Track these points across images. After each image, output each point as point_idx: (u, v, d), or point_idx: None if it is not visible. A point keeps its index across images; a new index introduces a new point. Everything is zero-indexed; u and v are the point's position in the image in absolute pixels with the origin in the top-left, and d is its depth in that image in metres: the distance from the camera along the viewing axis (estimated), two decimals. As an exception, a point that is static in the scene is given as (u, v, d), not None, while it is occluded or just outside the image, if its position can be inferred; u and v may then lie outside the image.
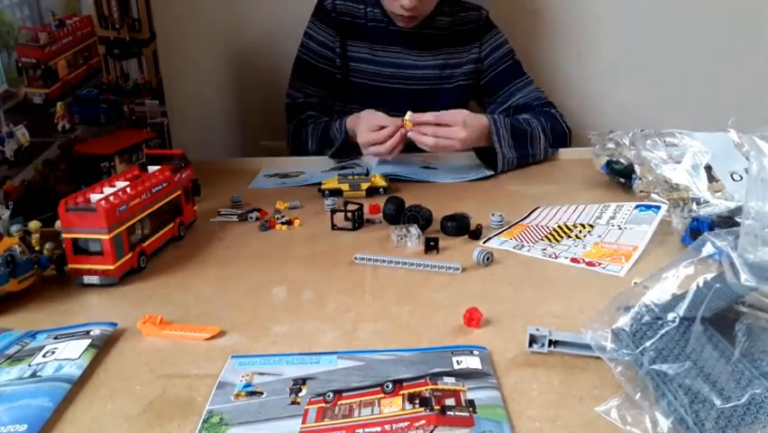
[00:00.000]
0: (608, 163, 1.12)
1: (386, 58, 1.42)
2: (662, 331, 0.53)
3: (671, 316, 0.54)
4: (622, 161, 1.11)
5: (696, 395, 0.47)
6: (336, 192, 1.10)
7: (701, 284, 0.54)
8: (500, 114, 1.37)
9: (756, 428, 0.44)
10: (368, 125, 1.20)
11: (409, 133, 1.17)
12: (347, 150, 1.31)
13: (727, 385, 0.47)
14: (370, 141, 1.19)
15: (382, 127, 1.18)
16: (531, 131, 1.28)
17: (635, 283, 0.63)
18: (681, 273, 0.56)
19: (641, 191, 1.03)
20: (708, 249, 0.56)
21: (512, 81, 1.44)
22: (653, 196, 0.98)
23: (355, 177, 1.11)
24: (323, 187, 1.11)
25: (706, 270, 0.55)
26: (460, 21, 1.44)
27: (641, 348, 0.52)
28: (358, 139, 1.22)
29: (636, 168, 1.04)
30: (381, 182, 1.11)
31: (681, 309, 0.53)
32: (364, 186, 1.10)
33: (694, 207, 0.87)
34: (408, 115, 1.17)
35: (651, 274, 0.58)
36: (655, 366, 0.50)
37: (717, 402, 0.46)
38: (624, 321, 0.55)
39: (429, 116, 1.17)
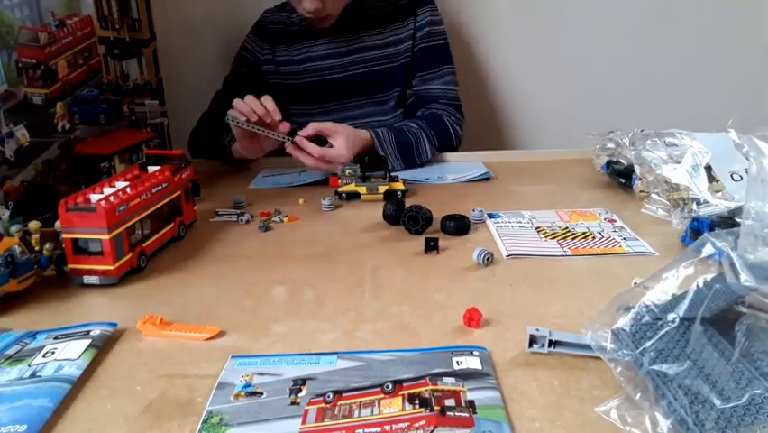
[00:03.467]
0: (608, 163, 1.12)
1: (327, 50, 1.41)
2: (662, 332, 0.53)
3: (671, 316, 0.54)
4: (622, 161, 1.11)
5: (696, 396, 0.47)
6: (354, 195, 1.10)
7: (701, 285, 0.54)
8: (410, 101, 1.40)
9: (756, 428, 0.44)
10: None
11: (290, 149, 1.17)
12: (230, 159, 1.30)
13: (727, 385, 0.47)
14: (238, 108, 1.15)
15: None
16: (416, 142, 1.28)
17: (635, 284, 0.63)
18: (680, 274, 0.56)
19: (641, 191, 1.03)
20: (708, 249, 0.56)
21: (433, 66, 1.39)
22: (653, 196, 0.99)
23: (373, 180, 1.11)
24: (340, 189, 1.10)
25: (706, 270, 0.55)
26: None
27: (641, 349, 0.52)
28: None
29: (636, 168, 1.04)
30: (399, 186, 1.11)
31: (681, 310, 0.53)
32: (382, 189, 1.09)
33: (694, 207, 0.87)
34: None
35: (651, 274, 0.58)
36: (655, 367, 0.50)
37: (717, 403, 0.46)
38: (624, 322, 0.55)
39: (311, 147, 1.16)
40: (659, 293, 0.55)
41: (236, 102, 1.17)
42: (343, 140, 1.18)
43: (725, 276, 0.54)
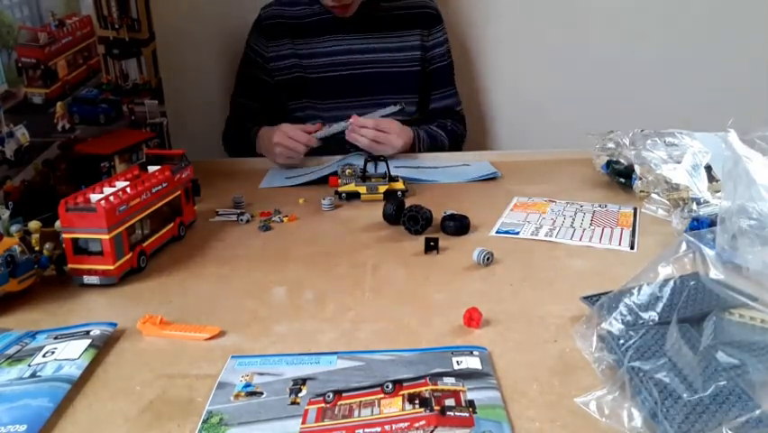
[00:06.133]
0: (608, 163, 1.12)
1: (332, 47, 1.44)
2: (643, 330, 0.55)
3: (650, 315, 0.56)
4: (622, 160, 1.11)
5: (668, 390, 0.48)
6: (354, 195, 1.10)
7: (678, 283, 0.57)
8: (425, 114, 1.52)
9: (721, 417, 0.45)
10: (284, 134, 1.29)
11: (348, 133, 1.27)
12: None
13: (696, 379, 0.49)
14: (285, 145, 1.28)
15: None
16: (442, 144, 1.45)
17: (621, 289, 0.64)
18: (659, 273, 0.58)
19: (641, 191, 1.03)
20: (683, 248, 0.58)
21: (444, 86, 1.53)
22: (653, 196, 0.99)
23: (373, 180, 1.11)
24: (340, 189, 1.10)
25: (682, 268, 0.58)
26: (403, 6, 1.48)
27: (623, 347, 0.54)
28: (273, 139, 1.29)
29: (636, 168, 1.04)
30: (399, 186, 1.11)
31: (659, 308, 0.56)
32: (382, 189, 1.09)
33: (694, 206, 0.87)
34: (352, 119, 1.28)
35: (633, 275, 0.60)
36: (634, 363, 0.52)
37: (686, 396, 0.47)
38: (608, 322, 0.57)
39: (369, 122, 1.28)
40: (639, 293, 0.58)
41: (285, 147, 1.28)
42: (395, 123, 1.31)
43: (699, 274, 0.57)
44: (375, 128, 1.28)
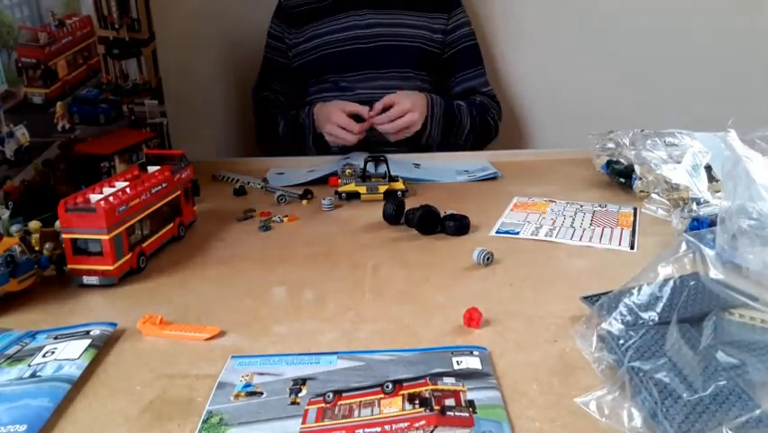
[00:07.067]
0: (608, 163, 1.12)
1: (350, 22, 1.47)
2: (643, 330, 0.55)
3: (650, 315, 0.56)
4: (622, 160, 1.11)
5: (667, 389, 0.48)
6: (354, 195, 1.10)
7: (678, 283, 0.57)
8: (447, 95, 1.49)
9: (721, 417, 0.45)
10: (340, 110, 1.31)
11: (378, 127, 1.30)
12: (316, 139, 1.42)
13: (695, 379, 0.49)
14: (340, 123, 1.30)
15: (351, 115, 1.31)
16: (460, 119, 1.42)
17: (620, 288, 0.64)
18: (659, 273, 0.58)
19: (641, 191, 1.03)
20: (683, 248, 0.59)
21: (468, 66, 1.53)
22: (653, 196, 0.99)
23: (373, 180, 1.11)
24: (340, 189, 1.10)
25: (682, 268, 0.58)
26: None
27: (623, 347, 0.54)
28: (330, 119, 1.32)
29: (636, 168, 1.04)
30: (399, 186, 1.11)
31: (659, 308, 0.56)
32: (382, 189, 1.09)
33: (694, 206, 0.87)
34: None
35: (633, 276, 0.60)
36: (634, 363, 0.51)
37: (686, 395, 0.47)
38: (608, 322, 0.57)
39: (378, 109, 1.30)
40: (639, 293, 0.58)
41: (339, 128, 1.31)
42: (402, 96, 1.31)
43: (699, 274, 0.57)
44: (390, 117, 1.29)
